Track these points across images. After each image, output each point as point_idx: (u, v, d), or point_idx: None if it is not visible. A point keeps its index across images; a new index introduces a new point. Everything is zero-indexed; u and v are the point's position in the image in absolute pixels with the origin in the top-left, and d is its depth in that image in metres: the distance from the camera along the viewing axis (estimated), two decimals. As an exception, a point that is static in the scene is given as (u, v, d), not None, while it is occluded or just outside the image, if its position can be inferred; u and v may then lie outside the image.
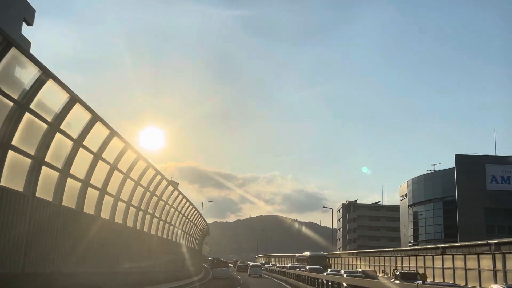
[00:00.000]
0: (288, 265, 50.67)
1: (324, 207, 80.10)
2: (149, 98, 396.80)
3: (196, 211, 36.75)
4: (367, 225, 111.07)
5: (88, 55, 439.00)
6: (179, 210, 28.10)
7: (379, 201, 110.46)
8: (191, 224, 36.68)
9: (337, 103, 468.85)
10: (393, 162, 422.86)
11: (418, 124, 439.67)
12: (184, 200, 28.73)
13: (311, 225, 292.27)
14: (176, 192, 25.23)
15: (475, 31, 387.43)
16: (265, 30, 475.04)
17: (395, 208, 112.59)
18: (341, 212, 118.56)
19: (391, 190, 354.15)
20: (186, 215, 31.38)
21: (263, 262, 76.33)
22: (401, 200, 73.26)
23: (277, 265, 66.29)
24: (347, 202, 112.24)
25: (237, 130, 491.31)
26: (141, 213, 20.39)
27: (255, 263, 58.75)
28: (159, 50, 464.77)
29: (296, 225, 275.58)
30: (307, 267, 40.37)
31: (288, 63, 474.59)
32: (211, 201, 51.46)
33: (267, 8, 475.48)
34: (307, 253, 51.55)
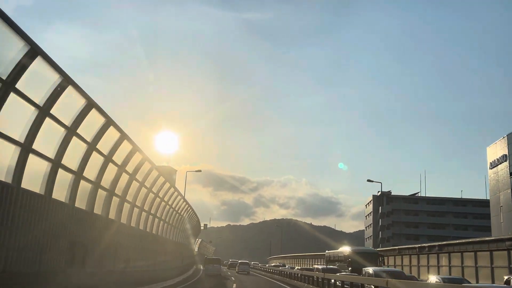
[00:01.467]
0: (315, 267, 34.76)
1: (369, 180, 47.04)
2: (164, 101, 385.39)
3: (185, 203, 34.32)
4: (404, 221, 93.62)
5: (104, 58, 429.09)
6: (155, 192, 22.98)
7: (417, 192, 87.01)
8: (178, 215, 32.79)
9: (351, 106, 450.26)
10: (404, 170, 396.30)
11: (432, 127, 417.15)
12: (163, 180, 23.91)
13: (325, 229, 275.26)
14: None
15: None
16: (278, 33, 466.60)
17: (437, 201, 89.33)
18: (371, 205, 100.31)
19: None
20: (166, 199, 26.34)
21: (278, 264, 64.92)
22: (491, 168, 48.69)
23: (297, 267, 58.52)
24: (379, 192, 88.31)
25: (250, 134, 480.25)
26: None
27: (243, 261, 62.71)
28: (174, 54, 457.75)
29: (311, 229, 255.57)
30: (347, 270, 28.56)
31: (301, 66, 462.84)
32: (200, 170, 53.07)
33: (279, 11, 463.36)
34: (346, 249, 34.47)
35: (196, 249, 72.35)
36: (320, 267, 32.40)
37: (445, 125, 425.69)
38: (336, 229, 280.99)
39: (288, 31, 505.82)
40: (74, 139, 12.19)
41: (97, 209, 15.59)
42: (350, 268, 28.71)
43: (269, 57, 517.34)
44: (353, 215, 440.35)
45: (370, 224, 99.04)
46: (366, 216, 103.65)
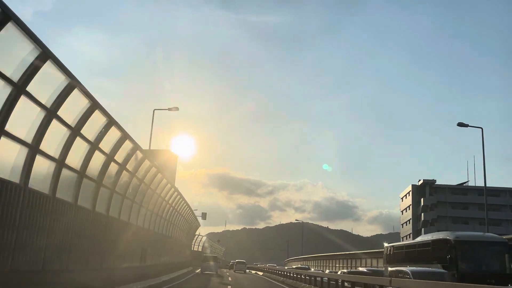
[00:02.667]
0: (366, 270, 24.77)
1: (460, 123, 26.79)
2: (180, 104, 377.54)
3: (179, 196, 32.56)
4: (451, 215, 77.91)
5: (120, 62, 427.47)
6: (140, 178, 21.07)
7: (466, 181, 69.98)
8: (171, 208, 31.38)
9: (367, 107, 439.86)
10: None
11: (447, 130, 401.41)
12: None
13: (342, 233, 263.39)
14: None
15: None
16: (293, 37, 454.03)
17: (490, 192, 69.71)
18: (408, 198, 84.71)
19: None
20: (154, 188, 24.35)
21: (301, 266, 51.48)
22: None
23: (327, 270, 48.51)
24: (421, 182, 71.42)
25: (266, 137, 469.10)
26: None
27: (240, 260, 62.83)
28: (190, 57, 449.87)
29: (327, 233, 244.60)
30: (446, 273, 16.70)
31: (316, 69, 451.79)
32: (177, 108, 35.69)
33: (294, 16, 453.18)
34: (439, 236, 19.81)
35: (197, 248, 68.52)
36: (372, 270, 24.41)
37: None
38: (353, 233, 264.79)
39: (302, 35, 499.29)
40: (79, 140, 13.01)
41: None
42: (456, 270, 16.99)
43: (284, 60, 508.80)
44: (370, 219, 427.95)
45: (408, 221, 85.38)
46: (402, 211, 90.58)
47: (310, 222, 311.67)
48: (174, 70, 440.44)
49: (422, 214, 79.32)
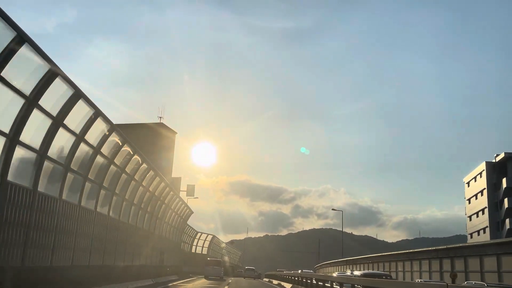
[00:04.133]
0: None
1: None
2: (201, 113, 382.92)
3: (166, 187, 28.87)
4: None
5: (142, 72, 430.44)
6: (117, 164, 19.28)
7: None
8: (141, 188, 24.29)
9: (388, 112, 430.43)
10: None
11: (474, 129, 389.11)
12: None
13: (367, 239, 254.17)
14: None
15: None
16: (313, 42, 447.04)
17: None
18: (481, 179, 65.47)
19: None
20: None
21: (347, 273, 30.89)
22: None
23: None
24: (501, 156, 61.58)
25: (287, 143, 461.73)
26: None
27: (249, 267, 62.09)
28: (211, 66, 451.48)
29: (352, 239, 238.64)
30: None
31: (337, 74, 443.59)
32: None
33: (312, 19, 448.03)
34: None
35: (200, 250, 59.26)
36: None
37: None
38: (379, 239, 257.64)
39: (323, 39, 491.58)
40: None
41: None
42: None
43: (304, 65, 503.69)
44: (394, 224, 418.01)
45: (481, 211, 64.73)
46: (468, 200, 70.58)
47: (333, 228, 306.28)
48: (194, 79, 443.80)
49: (506, 199, 57.97)
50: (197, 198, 61.40)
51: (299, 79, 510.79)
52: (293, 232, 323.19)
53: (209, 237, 60.58)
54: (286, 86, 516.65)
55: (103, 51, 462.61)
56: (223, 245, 78.10)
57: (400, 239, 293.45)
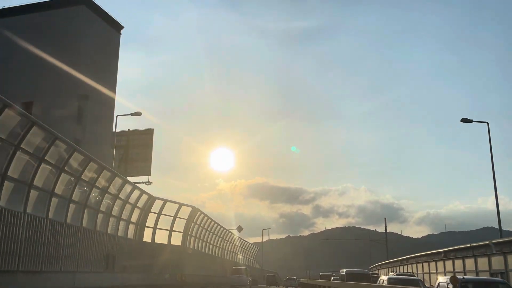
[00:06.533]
0: None
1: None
2: (217, 119, 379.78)
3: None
4: None
5: (158, 80, 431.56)
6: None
7: None
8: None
9: (407, 108, 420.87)
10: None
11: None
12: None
13: (392, 236, 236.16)
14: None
15: None
16: (325, 40, 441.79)
17: None
18: None
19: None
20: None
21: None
22: None
23: None
24: None
25: (304, 143, 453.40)
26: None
27: (290, 277, 58.57)
28: (227, 70, 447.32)
29: (376, 237, 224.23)
30: None
31: (352, 72, 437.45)
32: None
33: (323, 18, 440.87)
34: None
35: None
36: None
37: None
38: (403, 234, 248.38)
39: (336, 37, 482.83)
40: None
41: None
42: None
43: (320, 64, 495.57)
44: (417, 220, 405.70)
45: None
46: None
47: (356, 226, 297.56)
48: (212, 84, 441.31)
49: None
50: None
51: (313, 80, 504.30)
52: (316, 232, 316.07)
53: (185, 210, 36.73)
54: (300, 87, 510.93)
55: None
56: (235, 235, 61.37)
57: (425, 234, 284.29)
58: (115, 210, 27.48)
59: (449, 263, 31.04)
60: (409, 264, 41.37)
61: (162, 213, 33.98)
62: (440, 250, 32.12)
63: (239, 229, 58.79)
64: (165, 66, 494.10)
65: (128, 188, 28.70)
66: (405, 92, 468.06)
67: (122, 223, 28.82)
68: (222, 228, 53.28)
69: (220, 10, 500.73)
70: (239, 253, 65.83)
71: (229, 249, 60.29)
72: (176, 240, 36.93)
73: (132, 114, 33.21)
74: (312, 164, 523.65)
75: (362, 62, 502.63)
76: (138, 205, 30.64)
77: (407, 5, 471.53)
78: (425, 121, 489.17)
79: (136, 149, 51.65)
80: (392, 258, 45.28)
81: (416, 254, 37.64)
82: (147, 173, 52.31)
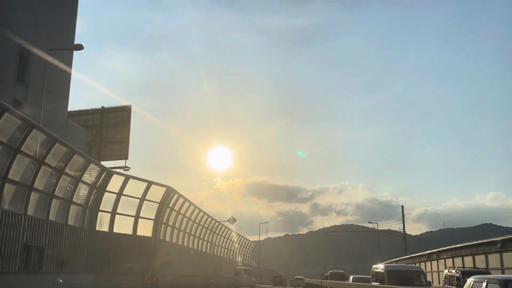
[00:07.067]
0: None
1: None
2: (215, 118, 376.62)
3: None
4: None
5: (156, 79, 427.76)
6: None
7: None
8: None
9: (403, 106, 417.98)
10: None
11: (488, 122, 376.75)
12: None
13: (391, 233, 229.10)
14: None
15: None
16: (323, 40, 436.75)
17: None
18: None
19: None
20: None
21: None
22: None
23: None
24: None
25: (302, 142, 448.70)
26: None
27: (298, 276, 58.31)
28: (225, 70, 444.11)
29: (375, 234, 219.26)
30: None
31: (349, 70, 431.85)
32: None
33: (322, 17, 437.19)
34: None
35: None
36: None
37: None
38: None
39: (336, 35, 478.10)
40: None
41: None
42: None
43: (319, 63, 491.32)
44: (415, 217, 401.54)
45: None
46: None
47: (354, 224, 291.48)
48: (209, 84, 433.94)
49: None
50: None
51: (311, 79, 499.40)
52: (314, 230, 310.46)
53: (157, 192, 28.35)
54: (298, 86, 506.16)
55: (114, 61, 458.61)
56: (232, 231, 55.44)
57: (424, 231, 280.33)
58: (41, 182, 18.43)
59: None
60: (441, 258, 32.66)
61: (124, 193, 25.01)
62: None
63: (232, 220, 51.64)
64: (163, 65, 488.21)
65: (62, 150, 19.14)
66: (402, 90, 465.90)
67: (57, 203, 19.81)
68: (210, 219, 44.20)
69: (218, 9, 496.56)
70: (233, 248, 57.50)
71: (221, 245, 51.80)
72: (145, 229, 27.65)
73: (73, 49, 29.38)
74: (310, 163, 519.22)
75: (359, 60, 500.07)
76: (84, 179, 21.76)
77: (403, 3, 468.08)
78: (422, 118, 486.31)
79: (111, 129, 44.14)
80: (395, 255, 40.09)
81: (452, 246, 29.36)
82: (125, 156, 44.71)
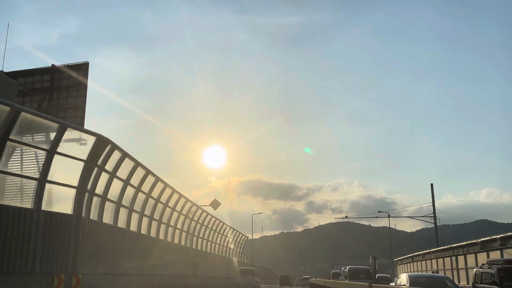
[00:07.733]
0: None
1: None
2: (211, 117, 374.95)
3: None
4: None
5: (151, 78, 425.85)
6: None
7: None
8: None
9: (396, 104, 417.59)
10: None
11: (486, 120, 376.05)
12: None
13: (386, 230, 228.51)
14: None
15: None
16: (318, 40, 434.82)
17: None
18: None
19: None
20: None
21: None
22: None
23: None
24: None
25: (297, 140, 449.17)
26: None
27: (306, 276, 61.73)
28: (220, 69, 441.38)
29: (370, 231, 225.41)
30: None
31: (344, 69, 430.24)
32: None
33: (317, 16, 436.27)
34: None
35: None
36: None
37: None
38: (397, 228, 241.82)
39: (330, 32, 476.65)
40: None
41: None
42: None
43: (309, 61, 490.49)
44: (410, 214, 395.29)
45: None
46: None
47: (350, 221, 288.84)
48: (205, 84, 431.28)
49: None
50: None
51: (306, 77, 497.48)
52: (309, 228, 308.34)
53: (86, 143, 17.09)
54: (293, 84, 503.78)
55: (109, 60, 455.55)
56: (215, 219, 40.56)
57: (419, 228, 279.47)
58: None
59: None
60: (458, 254, 28.31)
61: (24, 140, 15.82)
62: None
63: (215, 204, 42.73)
64: (158, 64, 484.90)
65: None
66: (396, 87, 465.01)
67: None
68: (181, 197, 28.81)
69: (213, 7, 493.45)
70: (220, 242, 45.39)
71: (202, 236, 37.70)
72: (62, 203, 16.04)
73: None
74: (305, 160, 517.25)
75: (353, 58, 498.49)
76: None
77: (399, 2, 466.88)
78: (416, 116, 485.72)
79: (64, 93, 33.09)
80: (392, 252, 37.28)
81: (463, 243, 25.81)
82: (80, 125, 34.42)
